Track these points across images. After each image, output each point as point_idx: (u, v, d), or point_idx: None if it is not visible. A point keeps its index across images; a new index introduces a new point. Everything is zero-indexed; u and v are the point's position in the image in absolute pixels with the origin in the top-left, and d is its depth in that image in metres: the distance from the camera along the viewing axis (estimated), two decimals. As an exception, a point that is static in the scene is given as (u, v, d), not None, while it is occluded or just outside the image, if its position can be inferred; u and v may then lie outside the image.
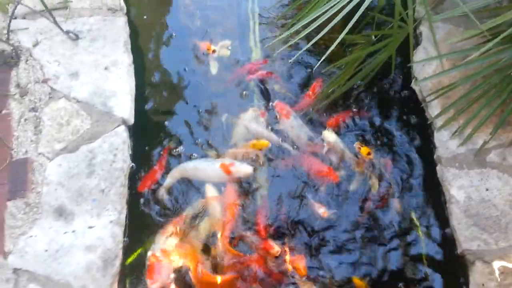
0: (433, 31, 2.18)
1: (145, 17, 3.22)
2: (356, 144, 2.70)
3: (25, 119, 2.54)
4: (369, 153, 2.64)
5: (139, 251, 2.43)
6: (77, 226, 2.28)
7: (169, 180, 2.61)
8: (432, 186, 2.55)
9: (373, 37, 2.63)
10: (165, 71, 3.06)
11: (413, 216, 2.53)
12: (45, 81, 2.62)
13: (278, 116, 2.79)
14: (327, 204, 2.54)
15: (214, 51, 3.03)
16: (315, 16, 2.17)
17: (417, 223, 2.50)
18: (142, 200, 2.57)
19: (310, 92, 2.83)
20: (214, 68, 3.01)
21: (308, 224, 2.50)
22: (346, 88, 2.70)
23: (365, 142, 2.71)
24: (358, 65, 2.63)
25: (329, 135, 2.68)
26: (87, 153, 2.46)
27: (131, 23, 3.02)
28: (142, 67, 3.00)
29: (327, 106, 2.80)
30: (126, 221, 2.38)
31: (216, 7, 3.31)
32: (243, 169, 2.60)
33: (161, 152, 2.72)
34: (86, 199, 2.35)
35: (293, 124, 2.76)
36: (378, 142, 2.74)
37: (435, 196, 2.53)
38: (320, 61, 2.19)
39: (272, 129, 2.76)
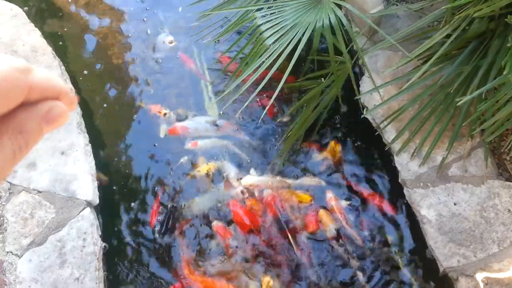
0: (366, 65, 2.25)
1: (97, 99, 3.22)
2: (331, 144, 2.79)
3: (-12, 220, 2.50)
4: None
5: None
6: (56, 320, 2.22)
7: None
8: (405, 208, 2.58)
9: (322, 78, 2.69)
10: (124, 143, 3.05)
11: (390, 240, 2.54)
12: (3, 177, 2.60)
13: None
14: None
15: (165, 114, 3.05)
16: (254, 68, 2.22)
17: (396, 250, 2.51)
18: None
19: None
20: (162, 132, 3.01)
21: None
22: (303, 130, 2.72)
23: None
24: (315, 107, 2.67)
25: (248, 180, 2.69)
26: (56, 243, 2.42)
27: (84, 102, 3.03)
28: (100, 144, 2.99)
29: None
30: (106, 305, 2.33)
31: (166, 71, 3.34)
32: None
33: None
34: (62, 291, 2.30)
35: (195, 127, 2.89)
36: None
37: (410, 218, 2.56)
38: (265, 111, 2.22)
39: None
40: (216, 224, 2.60)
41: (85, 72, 3.31)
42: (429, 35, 2.39)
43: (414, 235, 2.53)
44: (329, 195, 2.66)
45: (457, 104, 2.02)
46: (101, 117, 3.11)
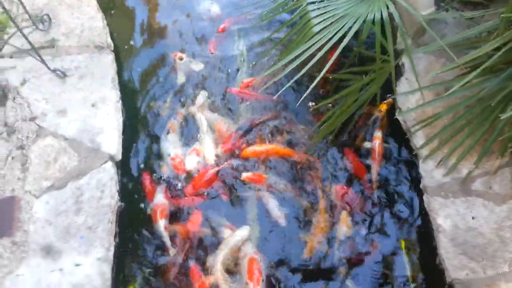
0: (413, 65, 2.23)
1: (134, 57, 3.26)
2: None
3: (12, 157, 2.54)
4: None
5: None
6: (65, 264, 2.27)
7: None
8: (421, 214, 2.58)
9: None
10: (152, 104, 3.08)
11: (404, 245, 2.54)
12: (32, 119, 2.64)
13: None
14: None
15: (181, 58, 3.17)
16: (297, 54, 2.22)
17: (406, 254, 2.51)
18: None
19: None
20: (181, 78, 3.11)
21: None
22: (339, 123, 2.71)
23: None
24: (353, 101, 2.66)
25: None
26: (75, 190, 2.46)
27: (118, 59, 3.06)
28: (130, 102, 3.02)
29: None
30: (114, 258, 2.36)
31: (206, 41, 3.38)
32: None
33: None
34: (73, 237, 2.33)
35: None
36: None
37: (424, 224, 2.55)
38: (303, 96, 2.22)
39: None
40: None
41: (126, 30, 3.34)
42: (476, 45, 2.35)
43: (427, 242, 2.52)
44: (378, 133, 2.76)
45: (500, 118, 1.99)
46: (134, 76, 3.15)
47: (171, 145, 2.82)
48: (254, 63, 3.19)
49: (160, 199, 2.62)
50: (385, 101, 2.86)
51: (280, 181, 2.69)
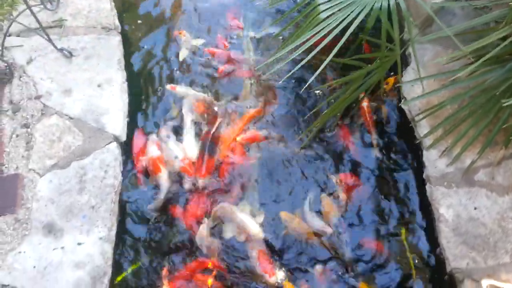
0: (414, 51, 2.23)
1: (140, 40, 3.27)
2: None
3: (17, 135, 2.55)
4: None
5: (129, 270, 2.43)
6: (67, 242, 2.28)
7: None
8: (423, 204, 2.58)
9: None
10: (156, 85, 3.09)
11: (403, 233, 2.54)
12: (38, 97, 2.65)
13: None
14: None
15: (184, 35, 3.24)
16: (304, 39, 2.21)
17: (406, 242, 2.52)
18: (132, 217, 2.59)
19: None
20: (182, 55, 3.17)
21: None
22: (342, 108, 2.72)
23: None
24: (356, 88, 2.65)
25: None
26: (78, 169, 2.46)
27: (126, 41, 3.06)
28: (135, 84, 3.02)
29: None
30: (115, 238, 2.38)
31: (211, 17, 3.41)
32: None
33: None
34: (76, 216, 2.34)
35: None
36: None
37: (426, 214, 2.56)
38: (310, 81, 2.22)
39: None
40: None
41: (134, 12, 3.35)
42: (483, 34, 2.34)
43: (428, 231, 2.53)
44: (365, 103, 2.89)
45: (504, 105, 1.99)
46: (140, 58, 3.15)
47: (175, 148, 2.78)
48: (254, 35, 3.27)
49: (154, 151, 2.71)
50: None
51: (273, 132, 2.83)
